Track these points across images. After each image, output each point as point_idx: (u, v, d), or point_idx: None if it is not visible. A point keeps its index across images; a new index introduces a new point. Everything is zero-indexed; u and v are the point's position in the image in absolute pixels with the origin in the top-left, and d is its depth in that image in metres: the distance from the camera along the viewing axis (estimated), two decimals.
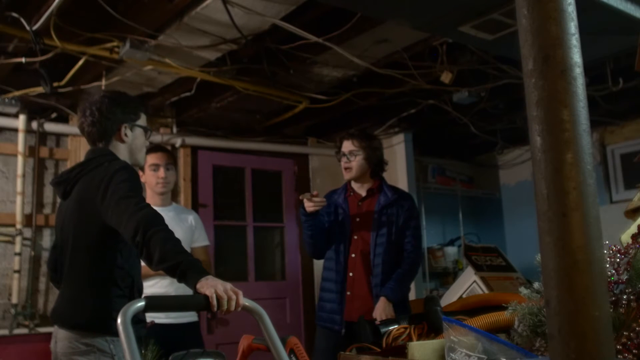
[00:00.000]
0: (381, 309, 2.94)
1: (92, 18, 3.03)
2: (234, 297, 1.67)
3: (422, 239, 3.36)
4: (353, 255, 3.16)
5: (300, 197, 3.09)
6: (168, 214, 3.26)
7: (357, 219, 3.21)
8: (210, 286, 1.66)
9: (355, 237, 3.18)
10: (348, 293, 3.13)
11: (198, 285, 1.68)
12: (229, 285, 1.69)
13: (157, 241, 1.76)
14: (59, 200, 2.31)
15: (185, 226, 3.33)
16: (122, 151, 2.21)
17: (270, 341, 1.65)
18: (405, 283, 3.14)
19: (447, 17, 2.49)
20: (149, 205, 1.91)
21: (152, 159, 3.25)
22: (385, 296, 2.99)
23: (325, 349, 3.09)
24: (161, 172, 3.25)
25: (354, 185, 3.29)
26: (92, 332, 1.96)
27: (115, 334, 1.81)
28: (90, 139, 2.20)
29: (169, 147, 4.48)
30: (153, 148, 3.42)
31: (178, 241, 1.82)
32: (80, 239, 2.04)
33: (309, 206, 3.02)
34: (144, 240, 1.77)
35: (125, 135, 2.20)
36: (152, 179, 3.25)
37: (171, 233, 1.82)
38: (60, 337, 2.01)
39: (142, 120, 2.27)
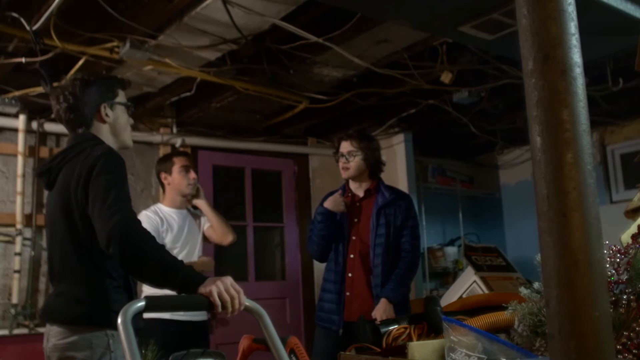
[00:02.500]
0: (382, 310, 2.95)
1: (92, 18, 3.03)
2: (236, 295, 1.65)
3: (420, 239, 3.35)
4: (351, 255, 3.16)
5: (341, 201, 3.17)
6: (185, 217, 3.33)
7: (355, 220, 3.21)
8: (211, 286, 1.63)
9: (354, 237, 3.18)
10: (347, 294, 3.13)
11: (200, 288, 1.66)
12: (229, 282, 1.66)
13: (140, 256, 1.69)
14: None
15: (201, 229, 3.43)
16: (105, 133, 2.08)
17: (271, 341, 1.65)
18: (405, 283, 3.15)
19: (447, 17, 2.49)
20: (124, 207, 1.77)
21: (182, 161, 3.31)
22: (387, 297, 2.99)
23: (325, 348, 3.09)
24: (192, 173, 3.32)
25: (352, 185, 3.29)
26: (90, 327, 1.85)
27: (117, 327, 1.81)
28: (69, 126, 2.08)
29: (169, 147, 4.49)
30: (178, 152, 3.54)
31: (161, 248, 1.74)
32: (68, 232, 1.92)
33: (339, 203, 3.12)
34: (122, 255, 1.68)
35: (107, 115, 2.08)
36: (183, 181, 3.29)
37: (151, 242, 1.72)
38: (53, 334, 1.90)
39: (121, 97, 2.14)
